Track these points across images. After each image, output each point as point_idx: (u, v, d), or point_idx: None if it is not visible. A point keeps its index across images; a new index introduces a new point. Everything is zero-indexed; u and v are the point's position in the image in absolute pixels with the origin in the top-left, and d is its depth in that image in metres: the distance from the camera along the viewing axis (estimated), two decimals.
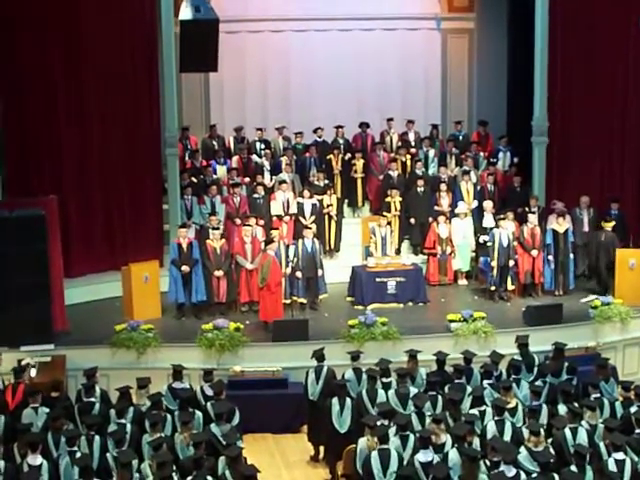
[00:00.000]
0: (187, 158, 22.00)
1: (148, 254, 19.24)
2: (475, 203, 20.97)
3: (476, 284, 20.29)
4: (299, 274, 18.77)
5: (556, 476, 11.65)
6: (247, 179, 21.48)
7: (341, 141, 22.66)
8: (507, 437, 12.87)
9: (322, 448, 15.21)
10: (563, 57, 20.88)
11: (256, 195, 20.60)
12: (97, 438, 12.83)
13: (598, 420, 13.23)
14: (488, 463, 11.94)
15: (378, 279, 19.17)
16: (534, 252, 19.35)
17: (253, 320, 18.18)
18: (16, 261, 16.48)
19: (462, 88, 24.74)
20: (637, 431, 12.85)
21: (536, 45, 20.48)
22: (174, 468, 12.01)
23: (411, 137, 23.14)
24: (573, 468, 11.89)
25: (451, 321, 17.57)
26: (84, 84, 19.20)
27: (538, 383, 14.76)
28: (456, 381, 14.66)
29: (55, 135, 19.15)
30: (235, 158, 22.11)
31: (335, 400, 14.30)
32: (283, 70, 24.17)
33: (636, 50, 20.79)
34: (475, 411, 13.54)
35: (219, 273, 18.59)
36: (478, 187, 21.27)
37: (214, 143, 22.70)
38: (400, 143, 22.81)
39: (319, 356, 15.41)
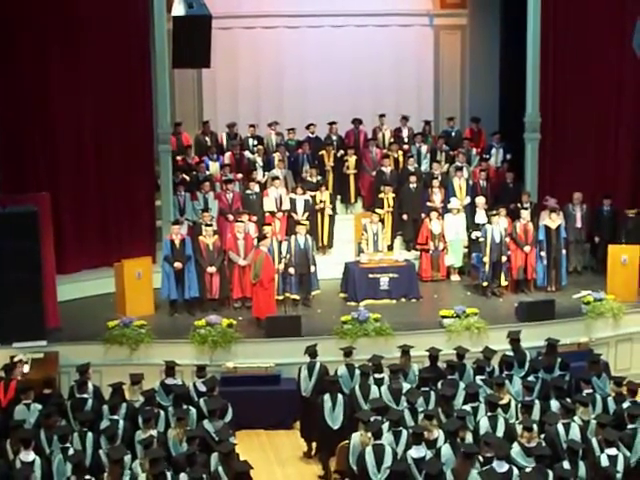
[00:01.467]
0: (179, 154, 21.96)
1: (141, 250, 19.24)
2: (468, 199, 20.99)
3: (469, 280, 20.28)
4: (292, 270, 18.75)
5: (549, 471, 11.67)
6: (240, 175, 21.46)
7: (334, 138, 22.66)
8: (500, 433, 12.89)
9: (315, 444, 15.23)
10: (555, 53, 20.90)
11: (249, 191, 20.60)
12: (89, 435, 12.83)
13: (590, 416, 13.25)
14: (481, 459, 11.96)
15: (371, 275, 19.17)
16: (527, 248, 19.37)
17: (246, 316, 18.17)
18: (8, 257, 16.48)
19: (455, 84, 24.78)
20: (629, 426, 12.88)
21: (528, 41, 20.49)
22: (167, 464, 12.02)
23: (405, 133, 23.15)
24: (566, 464, 11.92)
25: (444, 317, 17.58)
26: (77, 80, 19.15)
27: (531, 379, 14.80)
28: (449, 377, 14.68)
29: (48, 132, 19.11)
30: (228, 154, 22.10)
31: (327, 396, 14.30)
32: (276, 66, 24.16)
33: (629, 46, 20.76)
34: (468, 407, 13.57)
35: (212, 269, 18.59)
36: (470, 183, 21.29)
37: (207, 139, 22.69)
38: (393, 139, 22.82)
39: (312, 352, 15.41)
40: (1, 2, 18.20)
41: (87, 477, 11.74)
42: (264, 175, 21.63)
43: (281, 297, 18.64)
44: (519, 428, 12.67)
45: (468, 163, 22.06)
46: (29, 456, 12.12)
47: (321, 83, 23.92)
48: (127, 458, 12.13)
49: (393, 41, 24.36)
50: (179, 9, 15.89)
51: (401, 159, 22.16)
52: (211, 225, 18.97)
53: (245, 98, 24.13)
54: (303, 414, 15.47)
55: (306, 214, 20.43)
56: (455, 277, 20.60)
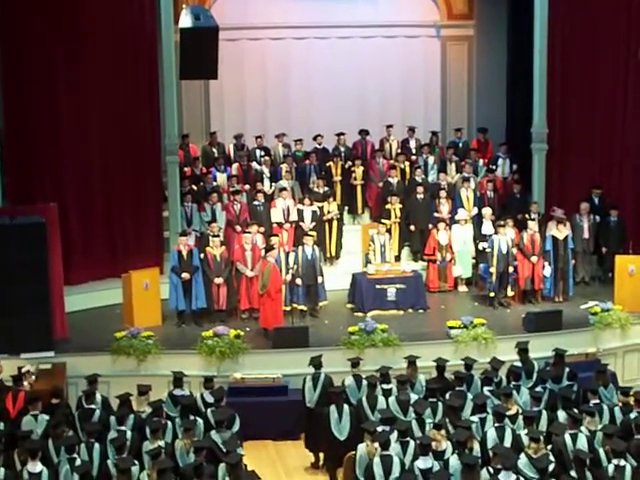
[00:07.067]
0: (187, 166, 21.99)
1: (148, 261, 19.27)
2: (475, 210, 20.98)
3: (476, 291, 20.28)
4: (299, 281, 18.77)
5: None
6: (247, 186, 21.47)
7: (342, 149, 22.65)
8: (507, 444, 12.87)
9: (322, 455, 15.21)
10: (562, 64, 20.94)
11: (256, 202, 20.61)
12: (97, 445, 12.85)
13: (598, 426, 13.24)
14: (491, 470, 11.95)
15: (378, 286, 19.16)
16: (534, 258, 19.35)
17: (253, 327, 18.19)
18: (16, 269, 16.51)
19: (462, 95, 24.75)
20: (637, 437, 12.86)
21: (535, 52, 20.53)
22: (175, 475, 12.03)
23: (412, 145, 23.15)
24: (573, 474, 11.90)
25: (451, 328, 17.57)
26: (85, 91, 19.20)
27: (538, 389, 14.78)
28: (456, 388, 14.66)
29: (56, 142, 19.14)
30: (235, 165, 22.10)
31: (333, 408, 14.31)
32: (283, 77, 24.14)
33: (635, 56, 20.81)
34: (475, 418, 13.56)
35: (219, 280, 18.60)
36: (478, 194, 21.28)
37: (214, 150, 22.72)
38: (400, 150, 22.83)
39: (316, 364, 15.42)
40: (9, 17, 18.31)
41: None
42: (271, 186, 21.64)
43: (288, 308, 18.64)
44: (526, 439, 12.65)
45: (475, 174, 22.05)
46: (36, 467, 12.15)
47: (328, 94, 23.90)
48: (135, 469, 12.16)
49: (400, 52, 24.33)
50: (186, 21, 16.01)
51: (408, 170, 22.13)
52: (218, 236, 19.00)
53: (252, 109, 24.11)
54: (308, 425, 15.45)
55: (313, 225, 20.44)
56: (462, 288, 20.58)
